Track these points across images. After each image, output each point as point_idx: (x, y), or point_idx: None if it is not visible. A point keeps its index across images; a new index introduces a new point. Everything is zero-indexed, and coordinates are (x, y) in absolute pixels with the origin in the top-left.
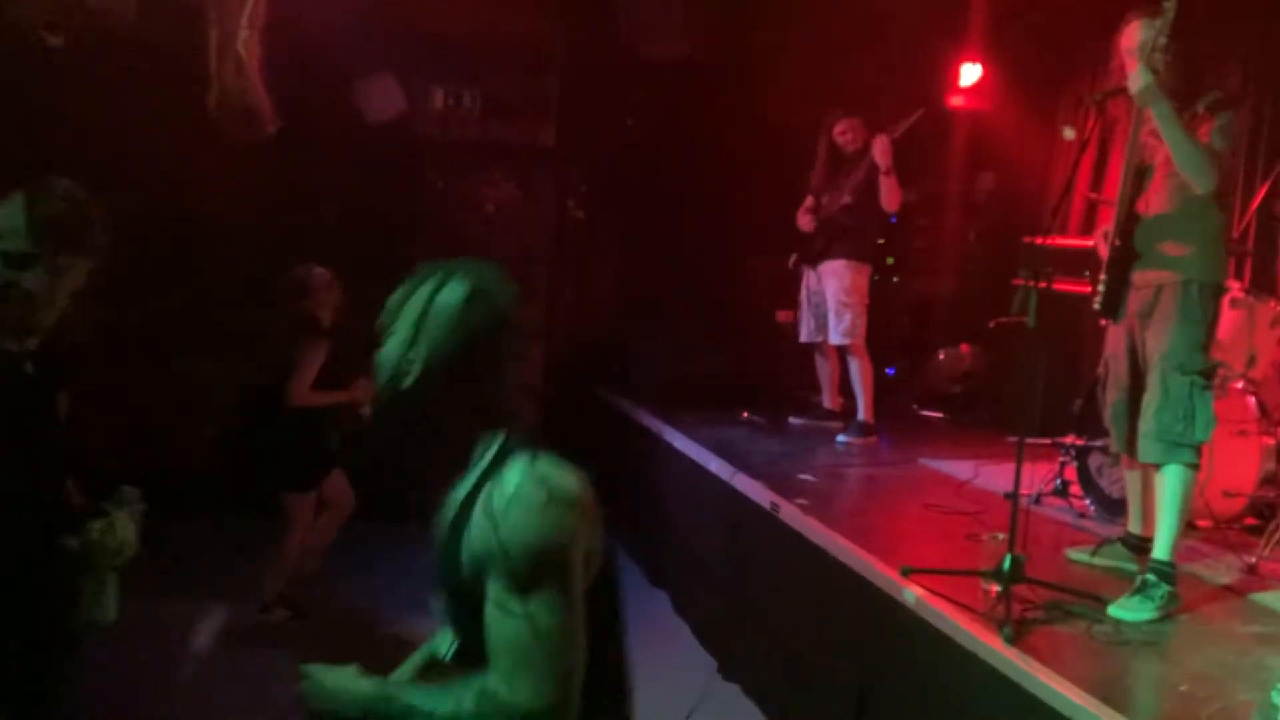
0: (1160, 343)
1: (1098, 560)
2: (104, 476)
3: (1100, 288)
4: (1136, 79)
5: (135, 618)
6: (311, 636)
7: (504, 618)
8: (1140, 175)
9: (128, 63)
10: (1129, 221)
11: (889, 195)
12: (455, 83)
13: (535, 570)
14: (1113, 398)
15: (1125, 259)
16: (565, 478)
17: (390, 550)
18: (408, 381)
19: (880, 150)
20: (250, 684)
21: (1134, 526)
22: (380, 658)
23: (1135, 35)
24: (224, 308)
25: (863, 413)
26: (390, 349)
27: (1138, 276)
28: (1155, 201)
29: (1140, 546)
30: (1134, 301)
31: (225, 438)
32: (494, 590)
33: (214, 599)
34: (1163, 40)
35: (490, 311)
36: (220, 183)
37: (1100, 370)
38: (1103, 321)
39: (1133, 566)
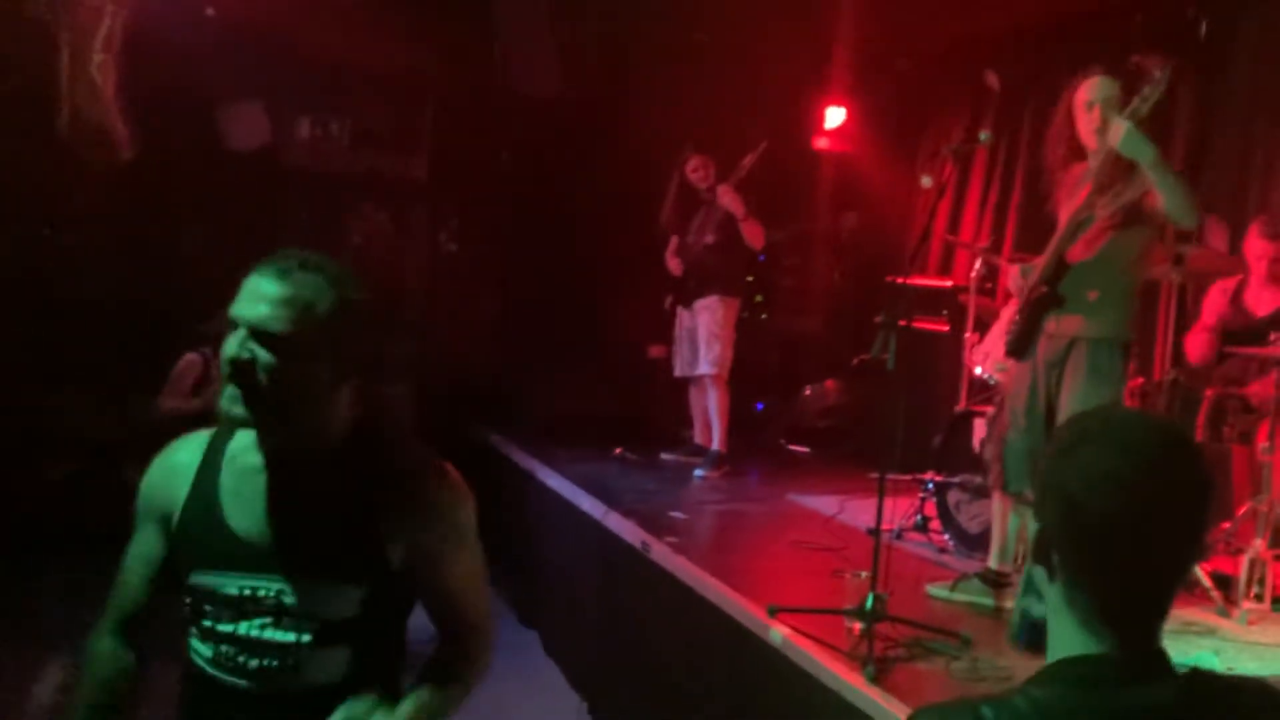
0: (1074, 398)
1: (956, 595)
2: None
3: (1013, 328)
4: (1118, 130)
5: None
6: None
7: None
8: (1077, 227)
9: None
10: (1059, 269)
11: (751, 236)
12: (323, 111)
13: None
14: (1010, 437)
15: (1044, 304)
16: None
17: None
18: None
19: (728, 200)
20: None
21: (994, 562)
22: None
23: (1092, 90)
24: (75, 337)
25: (717, 443)
26: None
27: (1052, 324)
28: (1085, 252)
29: (998, 581)
30: (1044, 349)
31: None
32: None
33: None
34: (1147, 106)
35: None
36: (72, 207)
37: (995, 408)
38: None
39: (990, 602)
